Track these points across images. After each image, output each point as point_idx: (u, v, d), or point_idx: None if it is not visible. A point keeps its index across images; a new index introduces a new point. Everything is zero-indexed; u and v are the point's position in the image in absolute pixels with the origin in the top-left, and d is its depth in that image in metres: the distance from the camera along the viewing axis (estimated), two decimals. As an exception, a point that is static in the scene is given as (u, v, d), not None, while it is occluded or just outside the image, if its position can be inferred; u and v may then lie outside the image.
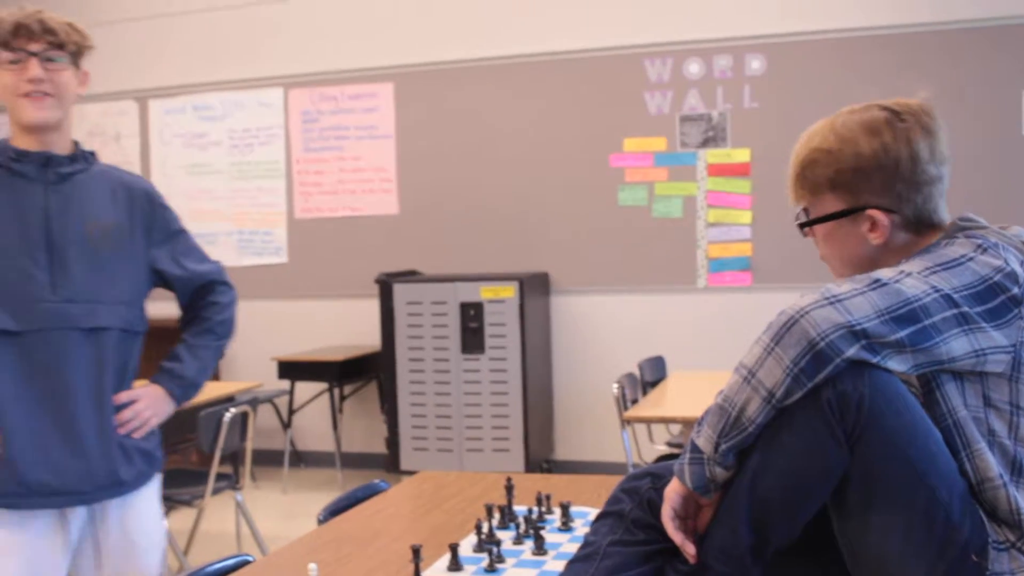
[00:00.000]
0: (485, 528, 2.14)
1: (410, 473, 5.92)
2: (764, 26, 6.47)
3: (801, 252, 6.30)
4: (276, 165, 7.52)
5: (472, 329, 6.35)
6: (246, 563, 2.11)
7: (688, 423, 4.37)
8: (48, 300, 2.32)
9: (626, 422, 4.75)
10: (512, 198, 6.97)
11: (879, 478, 1.49)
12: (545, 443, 6.79)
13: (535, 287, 6.61)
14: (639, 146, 6.72)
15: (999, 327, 1.55)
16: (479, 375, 6.36)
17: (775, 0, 6.46)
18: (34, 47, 2.31)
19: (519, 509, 2.33)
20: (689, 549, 1.62)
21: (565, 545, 2.10)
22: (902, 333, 1.49)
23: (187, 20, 7.62)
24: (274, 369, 6.91)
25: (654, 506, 1.70)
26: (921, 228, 1.71)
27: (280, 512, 6.29)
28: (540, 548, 2.07)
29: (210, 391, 5.03)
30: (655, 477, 1.75)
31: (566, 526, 2.23)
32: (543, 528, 2.14)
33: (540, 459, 6.64)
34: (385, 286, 6.51)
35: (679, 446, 5.15)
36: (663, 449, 5.31)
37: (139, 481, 2.49)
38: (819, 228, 1.79)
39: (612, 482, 2.32)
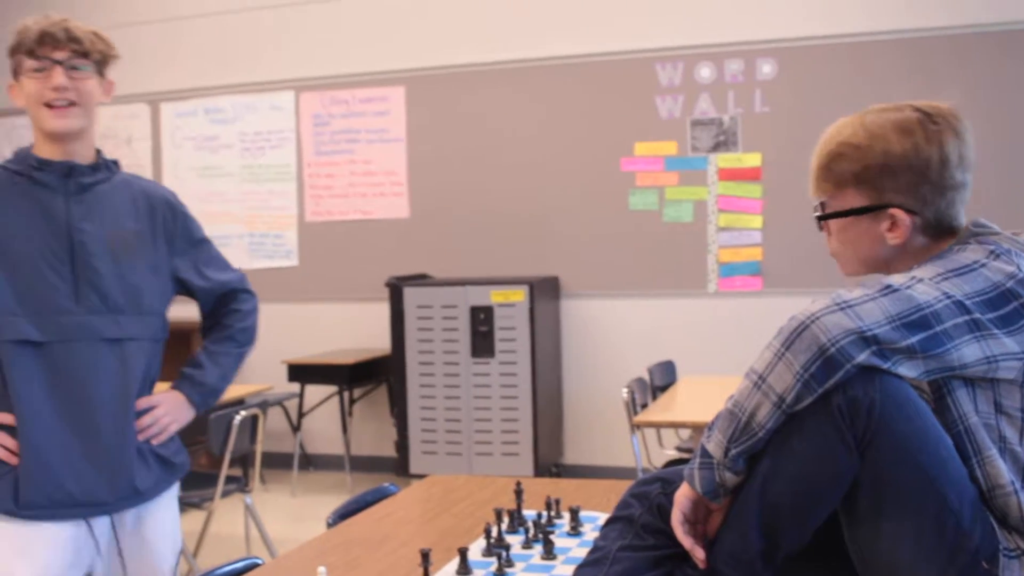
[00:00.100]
0: (494, 532, 2.14)
1: (419, 477, 5.92)
2: (775, 30, 6.46)
3: (812, 257, 6.30)
4: (287, 168, 7.53)
5: (482, 333, 6.35)
6: (255, 566, 2.11)
7: (698, 428, 4.36)
8: (71, 311, 2.32)
9: (636, 427, 4.75)
10: (523, 202, 6.97)
11: (889, 484, 1.49)
12: (554, 447, 6.79)
13: (545, 291, 6.60)
14: (650, 150, 6.71)
15: (1011, 333, 1.54)
16: (489, 379, 6.36)
17: (786, 4, 6.45)
18: (59, 55, 2.31)
19: (528, 513, 2.32)
20: (699, 554, 1.62)
21: (574, 550, 2.10)
22: (913, 339, 1.49)
23: (198, 23, 7.64)
24: (284, 372, 6.91)
25: (664, 511, 1.70)
26: (939, 233, 1.71)
27: (289, 515, 6.30)
28: (549, 553, 2.06)
29: (220, 394, 5.03)
30: (665, 482, 1.75)
31: (575, 531, 2.22)
32: (552, 533, 2.14)
33: (549, 463, 6.64)
34: (395, 289, 6.51)
35: (689, 451, 5.15)
36: (673, 454, 5.30)
37: (159, 488, 2.49)
38: (835, 223, 1.78)
39: (622, 487, 2.32)
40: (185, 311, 2.66)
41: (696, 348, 6.53)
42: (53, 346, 2.31)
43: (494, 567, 1.99)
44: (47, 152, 2.36)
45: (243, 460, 5.05)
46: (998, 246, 1.62)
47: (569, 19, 6.83)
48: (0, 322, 2.28)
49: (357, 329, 7.35)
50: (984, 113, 5.98)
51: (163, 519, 2.52)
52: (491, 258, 7.02)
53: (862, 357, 1.47)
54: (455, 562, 1.99)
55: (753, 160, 6.54)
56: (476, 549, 2.12)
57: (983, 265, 1.58)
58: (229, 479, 4.68)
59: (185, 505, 4.54)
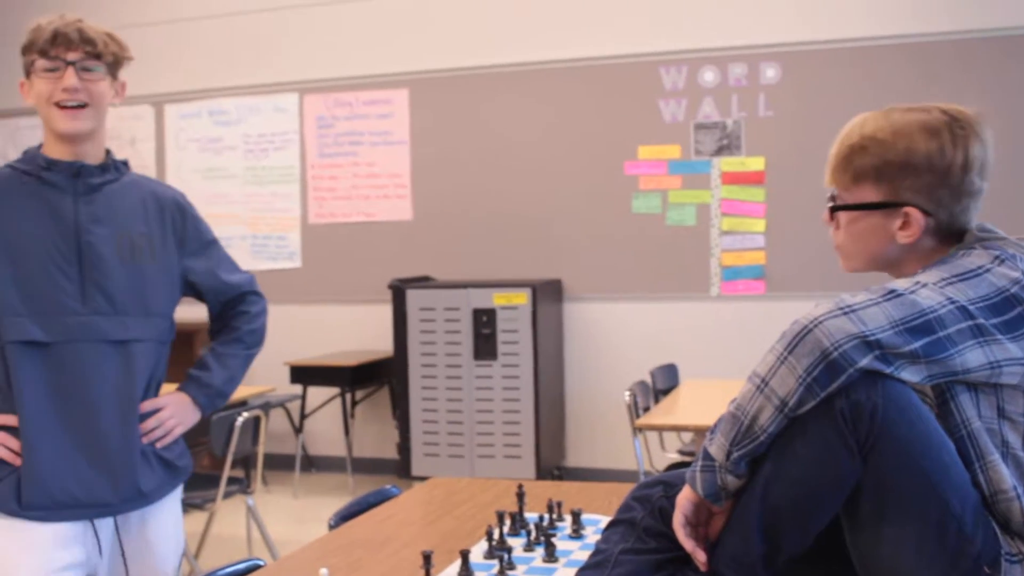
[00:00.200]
0: (496, 535, 2.14)
1: (421, 479, 5.91)
2: (779, 34, 6.46)
3: (814, 261, 6.31)
4: (291, 170, 7.54)
5: (484, 335, 6.35)
6: (257, 567, 2.11)
7: (700, 431, 4.36)
8: (77, 312, 2.32)
9: (638, 430, 4.74)
10: (526, 205, 6.97)
11: (892, 489, 1.49)
12: (556, 450, 6.79)
13: (548, 294, 6.61)
14: (653, 154, 6.72)
15: (1015, 339, 1.54)
16: (491, 381, 6.36)
17: (790, 8, 6.46)
18: (71, 56, 2.30)
19: (530, 516, 2.32)
20: (700, 556, 1.62)
21: (576, 553, 2.10)
22: (916, 344, 1.49)
23: (203, 25, 7.65)
24: (286, 374, 6.92)
25: (666, 514, 1.69)
26: (948, 237, 1.70)
27: (291, 516, 6.30)
28: (551, 555, 2.06)
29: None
30: (667, 485, 1.75)
31: (577, 533, 2.22)
32: (554, 535, 2.14)
33: (551, 466, 6.64)
34: (398, 292, 6.52)
35: (691, 454, 5.14)
36: (675, 457, 5.30)
37: (162, 490, 2.48)
38: (846, 215, 1.77)
39: (623, 490, 2.32)
40: (188, 312, 2.65)
41: (699, 351, 6.53)
42: (58, 347, 2.30)
43: (496, 570, 1.99)
44: (56, 152, 2.36)
45: (245, 461, 5.05)
46: (1003, 251, 1.62)
47: (573, 22, 6.84)
48: (5, 323, 2.28)
49: (359, 331, 7.35)
50: (989, 118, 5.97)
51: (166, 521, 2.51)
52: (494, 261, 7.03)
53: (865, 362, 1.47)
54: (457, 564, 1.99)
55: (756, 164, 6.54)
56: (478, 551, 2.12)
57: (988, 270, 1.58)
58: (231, 480, 4.68)
59: (187, 506, 4.54)
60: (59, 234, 2.32)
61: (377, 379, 7.11)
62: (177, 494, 2.58)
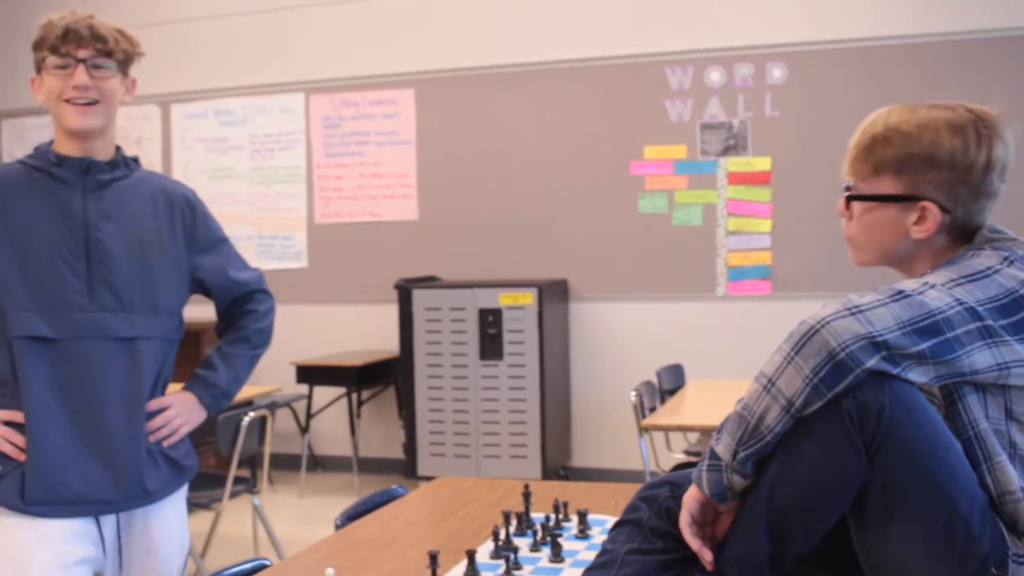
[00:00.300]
0: (502, 535, 2.14)
1: (427, 478, 5.92)
2: (786, 35, 6.46)
3: (821, 261, 6.30)
4: (297, 170, 7.55)
5: (491, 335, 6.35)
6: (264, 567, 2.11)
7: (706, 432, 4.36)
8: (85, 309, 2.32)
9: (644, 430, 4.74)
10: (532, 205, 6.97)
11: (899, 489, 1.48)
12: (562, 450, 6.79)
13: (554, 294, 6.61)
14: (659, 154, 6.71)
15: (1023, 341, 1.54)
16: (497, 381, 6.36)
17: (797, 9, 6.45)
18: (82, 53, 2.30)
19: (536, 516, 2.32)
20: (706, 556, 1.62)
21: (582, 553, 2.10)
22: (924, 345, 1.48)
23: (209, 25, 7.66)
24: (292, 373, 6.92)
25: (672, 515, 1.69)
26: (961, 237, 1.70)
27: (297, 516, 6.30)
28: (557, 556, 2.06)
29: (229, 395, 5.04)
30: (673, 486, 1.74)
31: (583, 534, 2.22)
32: (560, 535, 2.14)
33: (557, 466, 6.64)
34: (404, 291, 6.52)
35: (697, 455, 5.14)
36: (681, 457, 5.30)
37: (167, 490, 2.48)
38: (860, 206, 1.75)
39: (630, 490, 2.32)
40: (196, 311, 2.65)
41: (705, 352, 6.52)
42: (64, 343, 2.30)
43: (502, 569, 1.99)
44: (67, 148, 2.36)
45: (251, 461, 5.05)
46: (1013, 252, 1.62)
47: (578, 22, 6.84)
48: (12, 318, 2.28)
49: (366, 331, 7.36)
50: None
51: (170, 520, 2.51)
52: (500, 261, 7.03)
53: (872, 362, 1.46)
54: (463, 564, 1.99)
55: (763, 164, 6.54)
56: (484, 551, 2.12)
57: (997, 271, 1.58)
58: (237, 480, 4.68)
59: (193, 506, 4.54)
60: (68, 230, 2.32)
61: (383, 379, 7.11)
62: (182, 493, 2.58)
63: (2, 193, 2.32)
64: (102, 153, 2.40)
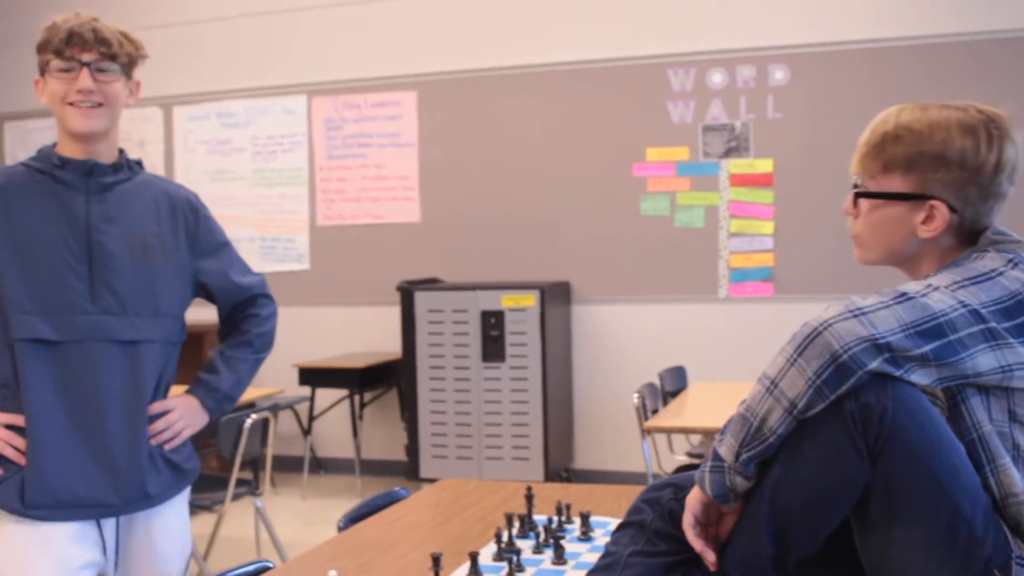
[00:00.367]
0: (505, 537, 2.14)
1: (429, 481, 5.92)
2: (788, 36, 6.46)
3: (823, 263, 6.30)
4: (299, 172, 7.55)
5: (493, 337, 6.35)
6: (266, 569, 2.11)
7: (708, 434, 4.35)
8: (87, 311, 2.32)
9: (646, 432, 4.74)
10: (534, 207, 6.97)
11: (901, 491, 1.48)
12: (565, 452, 6.79)
13: (556, 296, 6.61)
14: (661, 156, 6.71)
15: (1027, 343, 1.54)
16: (499, 383, 6.36)
17: (799, 10, 6.45)
18: (86, 57, 2.30)
19: (539, 518, 2.32)
20: (709, 557, 1.62)
21: (585, 555, 2.10)
22: (927, 347, 1.48)
23: (212, 28, 7.66)
24: (295, 375, 6.92)
25: (675, 517, 1.70)
26: (968, 238, 1.69)
27: (299, 518, 6.30)
28: (560, 558, 2.06)
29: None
30: (677, 488, 1.75)
31: (586, 536, 2.22)
32: (563, 538, 2.14)
33: (560, 468, 6.64)
34: (406, 294, 6.52)
35: (699, 456, 5.14)
36: (683, 459, 5.30)
37: (168, 493, 2.47)
38: (868, 204, 1.75)
39: (632, 492, 2.32)
40: (198, 313, 2.65)
41: (707, 353, 6.52)
42: (66, 346, 2.30)
43: (505, 572, 1.99)
44: (70, 151, 2.36)
45: (254, 463, 5.05)
46: (1017, 255, 1.62)
47: (580, 24, 6.84)
48: (14, 320, 2.27)
49: (368, 333, 7.36)
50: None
51: (172, 524, 2.51)
52: (502, 263, 7.03)
53: (874, 364, 1.46)
54: (466, 566, 1.99)
55: (765, 166, 6.54)
56: (487, 553, 2.12)
57: (1001, 274, 1.58)
58: (240, 482, 4.68)
59: (196, 508, 4.54)
60: (70, 232, 2.32)
61: (385, 381, 7.11)
62: (184, 497, 2.58)
63: (5, 195, 2.32)
64: (105, 156, 2.40)
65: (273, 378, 6.61)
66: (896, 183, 1.71)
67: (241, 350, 2.62)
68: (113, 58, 2.33)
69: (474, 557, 1.97)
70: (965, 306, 1.52)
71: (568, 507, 2.34)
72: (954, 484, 1.48)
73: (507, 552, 2.06)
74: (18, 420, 2.29)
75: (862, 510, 1.52)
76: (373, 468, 7.30)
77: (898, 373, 1.48)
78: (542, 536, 2.17)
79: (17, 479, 2.28)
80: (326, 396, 7.23)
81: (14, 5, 7.89)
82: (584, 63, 6.84)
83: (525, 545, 2.17)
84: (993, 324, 1.52)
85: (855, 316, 1.49)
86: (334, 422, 7.41)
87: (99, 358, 2.33)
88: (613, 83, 6.79)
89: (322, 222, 7.51)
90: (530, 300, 6.30)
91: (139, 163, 2.50)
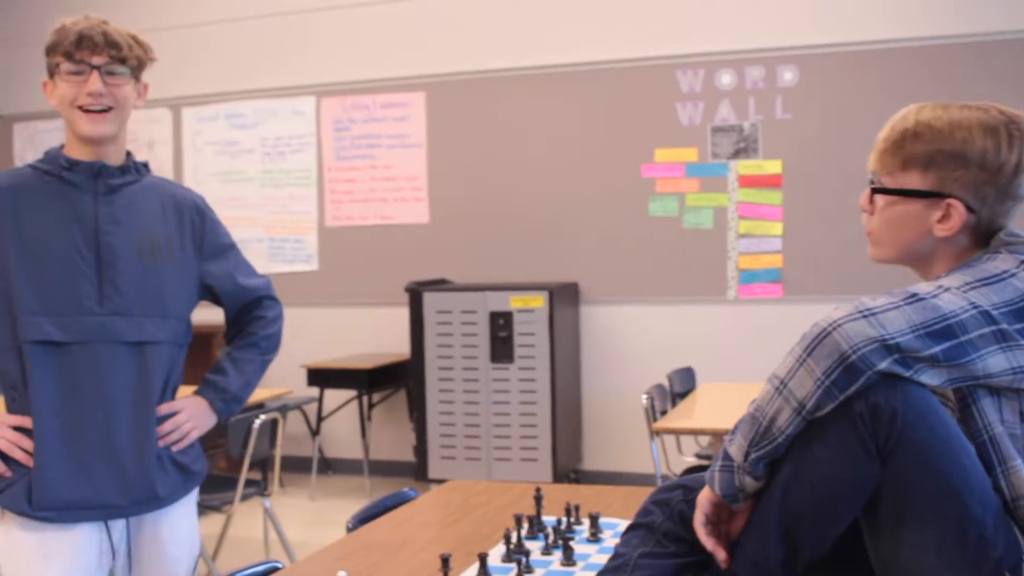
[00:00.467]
0: (514, 538, 2.14)
1: (438, 481, 5.92)
2: (797, 37, 6.45)
3: (832, 264, 6.30)
4: (308, 173, 7.56)
5: (501, 338, 6.35)
6: (275, 569, 2.11)
7: (717, 435, 4.35)
8: (95, 312, 2.32)
9: (655, 433, 4.74)
10: (543, 208, 6.97)
11: (911, 492, 1.48)
12: (573, 453, 6.78)
13: (565, 297, 6.60)
14: (670, 157, 6.71)
15: (1039, 345, 1.53)
16: (508, 384, 6.36)
17: (808, 11, 6.44)
18: (97, 60, 2.30)
19: (548, 519, 2.32)
20: (720, 554, 1.62)
21: (594, 556, 2.09)
22: (936, 348, 1.48)
23: (221, 29, 7.67)
24: (303, 376, 6.93)
25: (685, 518, 1.69)
26: (983, 239, 1.68)
27: (308, 519, 6.31)
28: (569, 559, 2.06)
29: (240, 398, 5.04)
30: (686, 489, 1.74)
31: (595, 537, 2.22)
32: (572, 539, 2.13)
33: (568, 469, 6.64)
34: (415, 294, 6.52)
35: (708, 458, 5.13)
36: (692, 461, 5.30)
37: (176, 495, 2.47)
38: (884, 200, 1.73)
39: (641, 493, 2.32)
40: (206, 314, 2.65)
41: (716, 355, 6.51)
42: (73, 347, 2.30)
43: (514, 573, 1.99)
44: (78, 153, 2.36)
45: (262, 464, 5.06)
46: (1029, 256, 1.61)
47: (589, 26, 6.84)
48: (22, 322, 2.28)
49: (376, 334, 7.36)
50: None
51: (179, 525, 2.51)
52: (511, 264, 7.03)
53: (883, 365, 1.46)
54: (475, 567, 1.99)
55: (774, 167, 6.53)
56: (496, 555, 2.12)
57: (1013, 275, 1.57)
58: (248, 483, 4.68)
59: (204, 508, 4.55)
60: (78, 234, 2.32)
61: (394, 382, 7.12)
62: (192, 498, 2.58)
63: (13, 197, 2.33)
64: (113, 158, 2.40)
65: (282, 379, 6.62)
66: (914, 180, 1.70)
67: (248, 352, 2.62)
68: (123, 61, 2.33)
69: (483, 558, 1.97)
70: (976, 307, 1.51)
71: (577, 508, 2.34)
72: (964, 485, 1.47)
73: (516, 553, 2.06)
74: (26, 422, 2.29)
75: (872, 511, 1.52)
76: (381, 469, 7.31)
77: (907, 374, 1.47)
78: (551, 537, 2.17)
79: (25, 481, 2.28)
80: (335, 397, 7.23)
81: (22, 7, 7.91)
82: (593, 64, 6.84)
83: (534, 546, 2.17)
84: (1004, 326, 1.51)
85: (864, 317, 1.48)
86: (343, 423, 7.41)
87: (106, 359, 2.33)
88: (622, 84, 6.79)
89: (331, 223, 7.51)
90: (539, 301, 6.30)
91: (146, 165, 2.50)
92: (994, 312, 1.52)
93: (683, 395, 5.44)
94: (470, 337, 6.41)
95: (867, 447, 1.47)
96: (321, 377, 6.95)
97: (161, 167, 7.75)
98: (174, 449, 2.45)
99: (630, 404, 6.42)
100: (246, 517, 5.53)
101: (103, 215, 2.35)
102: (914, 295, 1.52)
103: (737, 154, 6.59)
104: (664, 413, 4.99)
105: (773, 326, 6.42)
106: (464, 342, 6.42)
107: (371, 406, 7.28)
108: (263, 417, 4.62)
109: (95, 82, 2.29)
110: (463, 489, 2.86)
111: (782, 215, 6.52)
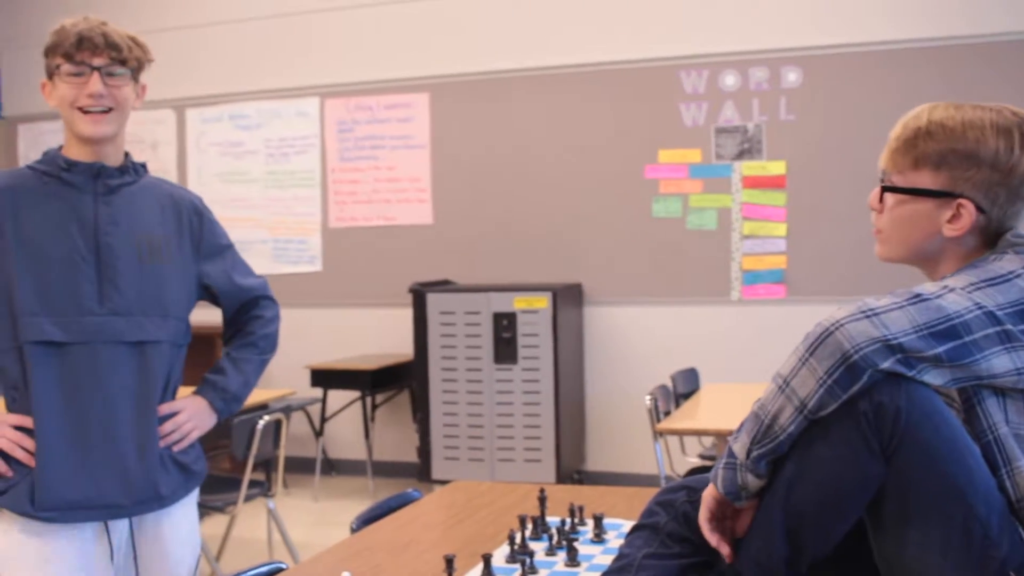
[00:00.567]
0: (518, 539, 2.14)
1: (441, 482, 5.92)
2: (800, 38, 6.45)
3: (836, 265, 6.29)
4: (311, 174, 7.56)
5: (505, 339, 6.35)
6: (280, 570, 2.11)
7: (721, 436, 4.35)
8: (95, 312, 2.32)
9: (659, 434, 4.74)
10: (546, 209, 6.97)
11: (915, 492, 1.48)
12: (576, 454, 6.78)
13: (568, 298, 6.60)
14: (674, 158, 6.71)
15: (1044, 346, 1.53)
16: (511, 385, 6.36)
17: (811, 12, 6.44)
18: (97, 61, 2.30)
19: (552, 520, 2.32)
20: (724, 549, 1.62)
21: (598, 557, 2.09)
22: (940, 349, 1.48)
23: (224, 30, 7.68)
24: (307, 377, 6.93)
25: (690, 519, 1.69)
26: (991, 240, 1.68)
27: (311, 519, 6.31)
28: (573, 560, 2.06)
29: (244, 398, 5.05)
30: (691, 490, 1.74)
31: (599, 538, 2.22)
32: (576, 540, 2.13)
33: (571, 470, 6.63)
34: (418, 295, 6.52)
35: (712, 459, 5.13)
36: (696, 462, 5.29)
37: (177, 495, 2.47)
38: (893, 198, 1.73)
39: (645, 494, 2.31)
40: (210, 315, 2.66)
41: (719, 356, 6.51)
42: (74, 347, 2.30)
43: (518, 573, 1.99)
44: (77, 154, 2.37)
45: (266, 465, 5.06)
46: (1036, 257, 1.61)
47: (593, 27, 6.84)
48: (23, 323, 2.28)
49: (380, 335, 7.36)
50: None
51: (181, 525, 2.51)
52: (514, 265, 7.03)
53: (886, 365, 1.46)
54: (479, 568, 1.99)
55: (778, 168, 6.53)
56: (500, 555, 2.12)
57: (1018, 276, 1.56)
58: (252, 483, 4.69)
59: (208, 509, 4.56)
60: (78, 234, 2.33)
61: (397, 382, 7.12)
62: (193, 498, 2.58)
63: (13, 198, 2.33)
64: (112, 159, 2.41)
65: (285, 380, 6.63)
66: (925, 179, 1.69)
67: (247, 351, 2.63)
68: (123, 62, 2.34)
69: (487, 559, 1.97)
70: (981, 308, 1.51)
71: (581, 509, 2.34)
72: (969, 485, 1.47)
73: (520, 554, 2.06)
74: (27, 422, 2.30)
75: (876, 511, 1.52)
76: (385, 470, 7.31)
77: (910, 373, 1.47)
78: (555, 538, 2.17)
79: (27, 482, 2.28)
80: (338, 398, 7.24)
81: (26, 8, 7.92)
82: (596, 65, 6.84)
83: (538, 547, 2.17)
84: (1009, 326, 1.51)
85: (867, 317, 1.48)
86: (346, 424, 7.42)
87: (107, 359, 2.33)
88: (625, 85, 6.79)
89: (334, 224, 7.51)
90: (542, 302, 6.30)
91: (144, 166, 2.51)
92: (999, 313, 1.51)
93: (687, 396, 5.43)
94: (474, 338, 6.41)
95: (871, 446, 1.47)
96: (325, 378, 6.95)
97: (165, 168, 7.76)
98: (175, 449, 2.46)
99: (634, 405, 6.42)
100: (250, 518, 5.53)
101: (103, 215, 2.36)
102: (918, 295, 1.52)
103: (741, 155, 6.59)
104: (668, 414, 4.99)
105: (777, 327, 6.42)
106: (468, 343, 6.42)
107: (375, 407, 7.28)
108: (267, 418, 4.62)
109: (95, 83, 2.30)
110: (467, 490, 2.86)
111: (786, 216, 6.52)
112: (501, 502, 2.65)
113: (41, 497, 2.28)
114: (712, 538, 1.63)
